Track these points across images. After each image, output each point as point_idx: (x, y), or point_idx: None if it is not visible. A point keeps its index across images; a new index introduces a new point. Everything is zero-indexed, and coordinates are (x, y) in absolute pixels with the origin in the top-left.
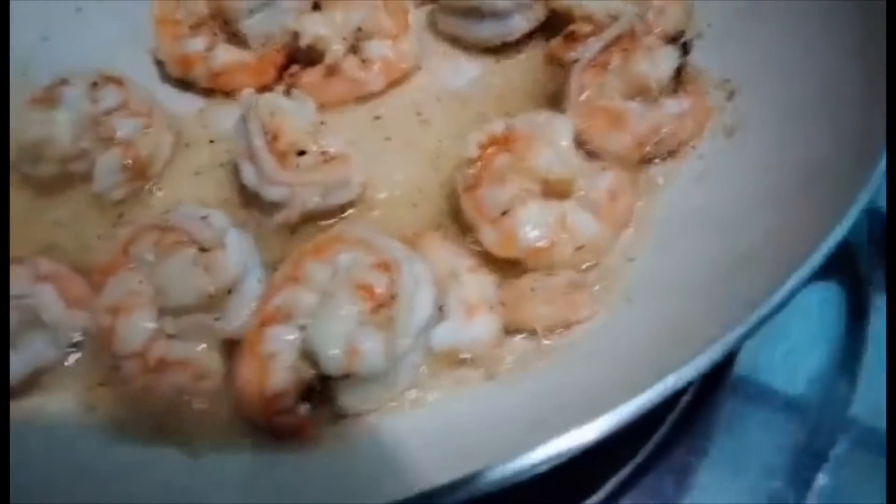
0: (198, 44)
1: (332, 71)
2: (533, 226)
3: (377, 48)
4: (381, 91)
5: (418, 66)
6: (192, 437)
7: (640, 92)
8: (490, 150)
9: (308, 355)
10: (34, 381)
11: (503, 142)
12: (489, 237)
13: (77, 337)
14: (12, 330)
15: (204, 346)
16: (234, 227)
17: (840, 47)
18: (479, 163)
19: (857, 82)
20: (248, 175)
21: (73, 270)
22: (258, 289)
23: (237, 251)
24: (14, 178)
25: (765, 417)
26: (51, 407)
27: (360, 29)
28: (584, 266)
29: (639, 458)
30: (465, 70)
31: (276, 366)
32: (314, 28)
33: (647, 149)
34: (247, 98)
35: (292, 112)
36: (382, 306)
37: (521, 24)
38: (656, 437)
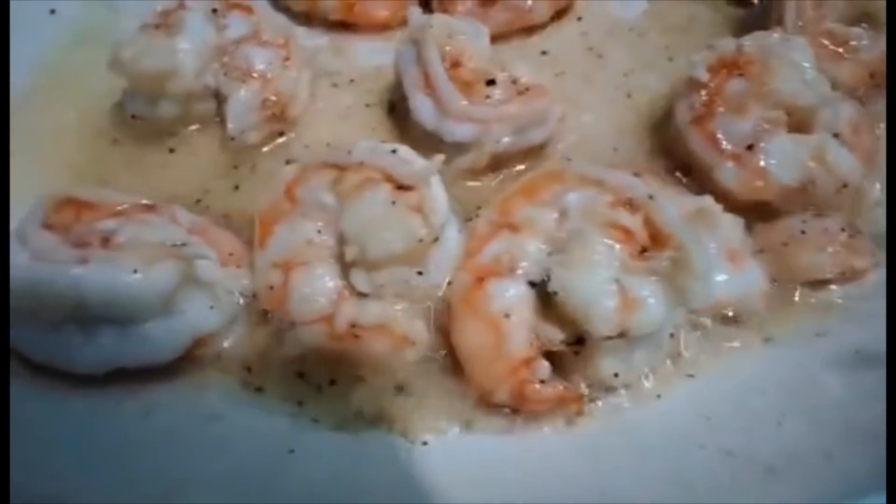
0: None
1: None
2: (785, 161)
3: None
4: (544, 23)
5: None
6: (406, 419)
7: (865, 16)
8: (721, 76)
9: (560, 312)
10: (191, 354)
11: (734, 65)
12: (730, 175)
13: (238, 300)
14: (172, 291)
15: (403, 307)
16: None
17: None
18: (708, 89)
19: None
20: (425, 111)
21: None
22: (460, 239)
23: (443, 190)
24: (117, 121)
25: None
26: (210, 390)
27: None
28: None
29: None
30: (634, 2)
31: (513, 327)
32: None
33: (879, 80)
34: (418, 18)
35: (471, 35)
36: (646, 250)
37: None
38: None
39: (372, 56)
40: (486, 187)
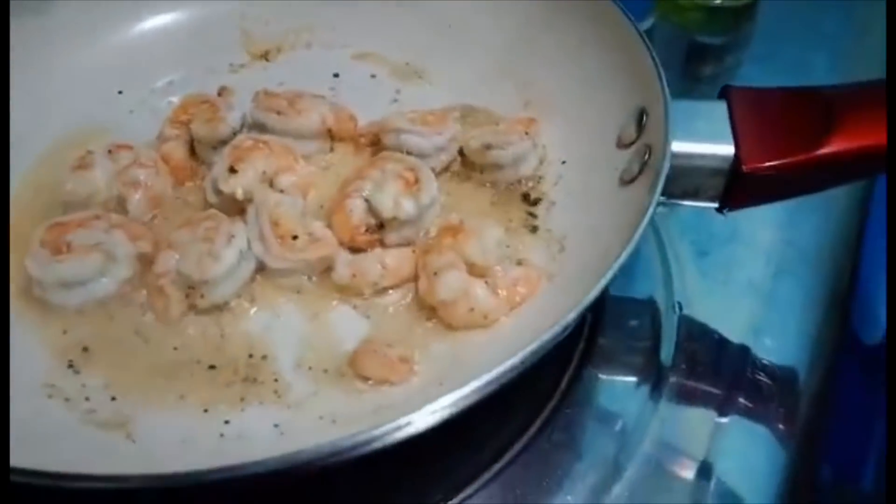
0: None
1: None
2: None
3: None
4: None
5: None
6: None
7: None
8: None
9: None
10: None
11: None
12: (420, 286)
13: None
14: (99, 266)
15: None
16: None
17: None
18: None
19: None
20: (257, 248)
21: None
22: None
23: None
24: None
25: None
26: None
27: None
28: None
29: None
30: None
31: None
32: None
33: None
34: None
35: (289, 206)
36: None
37: None
38: None
39: None
40: None
